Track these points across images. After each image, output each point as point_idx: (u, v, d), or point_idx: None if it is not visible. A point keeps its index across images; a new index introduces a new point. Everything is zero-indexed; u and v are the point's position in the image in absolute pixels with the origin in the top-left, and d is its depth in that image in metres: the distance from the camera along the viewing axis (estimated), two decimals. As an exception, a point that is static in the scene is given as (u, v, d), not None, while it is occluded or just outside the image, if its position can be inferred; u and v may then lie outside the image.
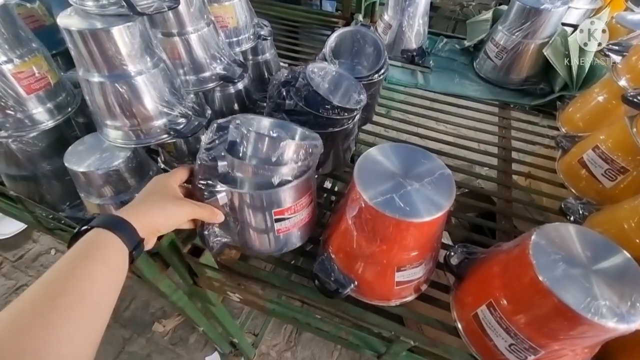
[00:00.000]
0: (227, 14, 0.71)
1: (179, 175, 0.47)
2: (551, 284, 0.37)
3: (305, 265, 0.59)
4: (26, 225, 1.60)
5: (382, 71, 0.75)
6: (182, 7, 0.56)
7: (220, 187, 0.46)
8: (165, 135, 0.55)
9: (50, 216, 0.62)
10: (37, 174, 0.62)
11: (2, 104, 0.51)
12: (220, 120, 0.49)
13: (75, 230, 0.37)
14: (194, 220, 0.48)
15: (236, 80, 0.67)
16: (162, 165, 0.73)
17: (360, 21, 1.22)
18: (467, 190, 1.17)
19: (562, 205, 0.65)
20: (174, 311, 1.48)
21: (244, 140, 0.46)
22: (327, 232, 0.57)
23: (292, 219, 0.50)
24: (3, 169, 0.62)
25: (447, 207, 0.43)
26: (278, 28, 1.26)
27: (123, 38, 0.46)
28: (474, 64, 1.09)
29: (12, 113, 0.53)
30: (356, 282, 0.52)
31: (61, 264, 0.33)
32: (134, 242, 0.37)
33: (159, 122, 0.54)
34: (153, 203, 0.42)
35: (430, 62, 1.10)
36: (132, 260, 0.38)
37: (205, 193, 0.46)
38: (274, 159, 0.45)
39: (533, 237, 0.41)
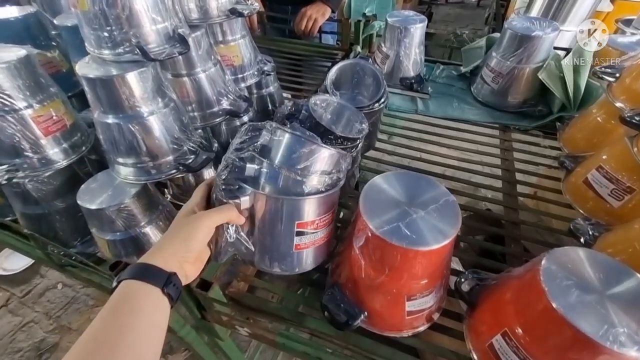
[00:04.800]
0: (233, 53, 0.75)
1: (198, 194, 0.46)
2: (566, 311, 0.36)
3: (313, 295, 0.58)
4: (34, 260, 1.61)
5: (382, 100, 0.78)
6: (191, 51, 0.60)
7: (246, 189, 0.44)
8: (175, 171, 0.57)
9: (62, 252, 0.62)
10: (50, 211, 0.64)
11: (22, 146, 0.54)
12: (249, 125, 0.48)
13: (111, 288, 0.37)
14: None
15: (242, 115, 0.69)
16: (170, 199, 0.75)
17: (359, 53, 1.27)
18: (472, 213, 1.17)
19: (572, 227, 0.64)
20: (180, 346, 1.45)
21: (278, 143, 0.44)
22: (335, 261, 0.57)
23: (312, 235, 0.49)
24: (19, 207, 0.64)
25: (454, 234, 0.43)
26: (280, 62, 1.32)
27: (137, 82, 0.49)
28: (472, 88, 1.12)
29: (30, 154, 0.55)
30: (366, 313, 0.51)
31: (94, 324, 0.34)
32: (162, 280, 0.37)
33: (169, 158, 0.56)
34: (170, 234, 0.42)
35: (429, 88, 1.13)
36: (172, 299, 0.37)
37: (228, 195, 0.44)
38: (305, 165, 0.43)
39: (543, 262, 0.41)
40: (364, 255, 0.47)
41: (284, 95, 1.06)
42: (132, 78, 0.48)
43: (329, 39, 1.45)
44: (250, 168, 0.44)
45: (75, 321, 1.57)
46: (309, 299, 0.58)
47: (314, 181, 0.45)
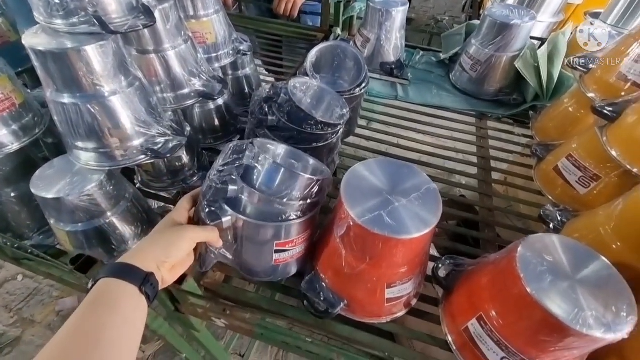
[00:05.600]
0: (205, 30, 0.70)
1: (183, 205, 0.47)
2: (539, 296, 0.37)
3: (292, 284, 0.57)
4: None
5: (364, 85, 0.76)
6: (158, 24, 0.54)
7: (227, 210, 0.45)
8: (143, 156, 0.53)
9: (15, 246, 0.57)
10: (1, 200, 0.58)
11: (-39, 128, 0.47)
12: (236, 143, 0.48)
13: (88, 287, 0.37)
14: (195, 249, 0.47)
15: (216, 97, 0.65)
16: (139, 186, 0.70)
17: (339, 35, 1.24)
18: (446, 199, 1.19)
19: (542, 213, 0.67)
20: (154, 336, 1.41)
21: (259, 168, 0.45)
22: (315, 250, 0.56)
23: (292, 251, 0.50)
24: (-38, 196, 0.57)
25: (435, 222, 0.43)
26: (258, 42, 1.26)
27: (95, 57, 0.44)
28: (450, 75, 1.13)
29: (-28, 137, 0.49)
30: (346, 301, 0.51)
31: (71, 321, 0.33)
32: (139, 278, 0.37)
33: (136, 143, 0.52)
34: (152, 239, 0.43)
35: (409, 74, 1.12)
36: (150, 298, 0.38)
37: (210, 215, 0.45)
38: (286, 192, 0.44)
39: (519, 249, 0.42)
40: (345, 244, 0.46)
41: (262, 78, 1.01)
42: (90, 52, 0.43)
43: (308, 22, 1.40)
44: (232, 190, 0.45)
45: (38, 313, 1.49)
46: (288, 288, 0.57)
47: (294, 207, 0.46)
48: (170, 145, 0.53)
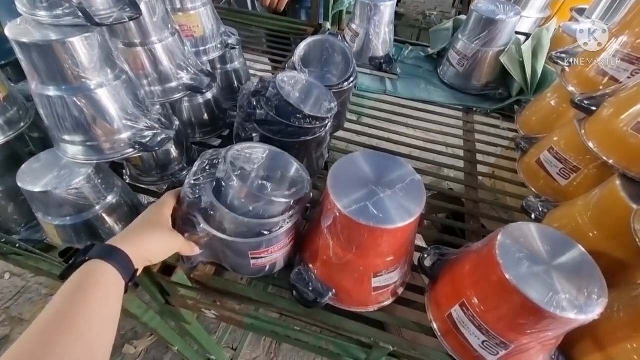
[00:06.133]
0: (193, 23, 0.69)
1: (170, 203, 0.47)
2: (517, 282, 0.39)
3: (282, 275, 0.58)
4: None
5: (352, 79, 0.77)
6: (145, 17, 0.54)
7: (201, 225, 0.46)
8: (130, 150, 0.53)
9: (3, 240, 0.57)
10: (-14, 195, 0.57)
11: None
12: (210, 153, 0.48)
13: (71, 262, 0.36)
14: None
15: (204, 91, 0.65)
16: (128, 180, 0.70)
17: (328, 29, 1.24)
18: (436, 192, 1.22)
19: (524, 204, 0.69)
20: (145, 331, 1.41)
21: (229, 187, 0.45)
22: (303, 241, 0.57)
23: (269, 257, 0.51)
24: (-54, 191, 0.57)
25: (419, 212, 0.44)
26: (246, 36, 1.25)
27: (81, 50, 0.44)
28: (438, 70, 1.14)
29: (-45, 131, 0.48)
30: (334, 291, 0.52)
31: (58, 301, 0.33)
32: (130, 273, 0.37)
33: (123, 136, 0.52)
34: (146, 233, 0.43)
35: (397, 69, 1.13)
36: (125, 291, 0.38)
37: (186, 223, 0.47)
38: (256, 213, 0.45)
39: (499, 237, 0.43)
40: (332, 234, 0.47)
41: (251, 72, 1.01)
42: (76, 44, 0.43)
43: (303, 15, 1.39)
44: (206, 202, 0.45)
45: (27, 312, 1.47)
46: (278, 279, 0.58)
47: (266, 225, 0.47)
48: (159, 138, 0.53)
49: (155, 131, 0.54)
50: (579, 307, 0.37)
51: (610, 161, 0.56)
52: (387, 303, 0.56)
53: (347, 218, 0.43)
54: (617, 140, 0.55)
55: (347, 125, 0.90)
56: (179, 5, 0.67)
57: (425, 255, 0.57)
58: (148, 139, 0.53)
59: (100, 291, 0.34)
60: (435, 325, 0.52)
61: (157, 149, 0.53)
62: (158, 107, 0.62)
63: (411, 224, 0.44)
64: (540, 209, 0.68)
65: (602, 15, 1.10)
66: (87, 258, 0.36)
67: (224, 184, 0.44)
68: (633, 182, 0.53)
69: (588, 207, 0.58)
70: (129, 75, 0.50)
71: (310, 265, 0.54)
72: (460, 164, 0.87)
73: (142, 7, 0.53)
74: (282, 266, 0.57)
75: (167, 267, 0.50)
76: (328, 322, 0.53)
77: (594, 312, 0.37)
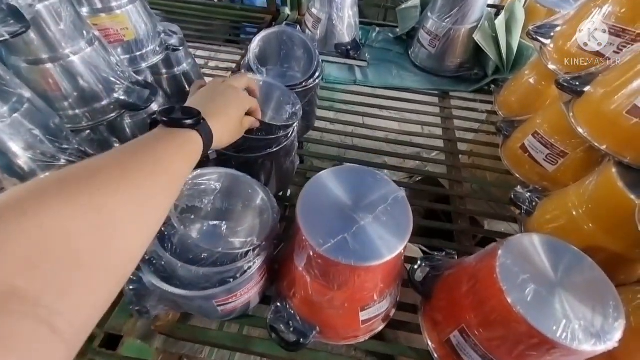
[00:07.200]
0: (120, 25, 0.58)
1: (243, 82, 0.46)
2: (525, 311, 0.34)
3: (259, 312, 0.51)
4: None
5: (317, 75, 0.68)
6: (47, 25, 0.43)
7: (149, 279, 0.39)
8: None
9: None
10: None
11: None
12: None
13: (170, 117, 0.33)
14: None
15: (144, 106, 0.55)
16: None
17: (288, 16, 1.13)
18: (419, 178, 1.17)
19: (512, 196, 0.64)
20: None
21: (174, 235, 0.38)
22: (280, 267, 0.50)
23: (240, 299, 0.44)
24: None
25: (408, 237, 0.38)
26: (190, 29, 1.12)
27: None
28: (409, 52, 1.07)
29: None
30: (318, 328, 0.46)
31: (140, 140, 0.30)
32: (208, 148, 0.35)
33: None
34: (227, 116, 0.40)
35: (366, 54, 1.05)
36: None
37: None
38: (217, 259, 0.38)
39: (499, 255, 0.38)
40: (309, 272, 0.40)
41: (213, 65, 0.90)
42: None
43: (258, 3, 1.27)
44: (150, 251, 0.39)
45: None
46: (254, 318, 0.51)
47: (224, 273, 0.39)
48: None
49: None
50: (596, 335, 0.33)
51: (604, 147, 0.52)
52: (379, 329, 0.50)
53: (323, 257, 0.36)
54: (610, 124, 0.51)
55: (319, 113, 0.83)
56: (99, 5, 0.55)
57: (415, 268, 0.51)
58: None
59: (182, 150, 0.32)
60: (432, 349, 0.48)
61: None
62: (88, 132, 0.52)
63: (400, 253, 0.38)
64: (529, 200, 0.64)
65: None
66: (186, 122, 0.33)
67: (166, 232, 0.36)
68: (630, 170, 0.49)
69: (582, 198, 0.54)
70: (32, 103, 0.40)
71: (289, 300, 0.47)
72: (441, 154, 0.82)
73: (43, 12, 0.42)
74: (257, 302, 0.50)
75: (111, 338, 0.41)
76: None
77: (613, 340, 0.33)
